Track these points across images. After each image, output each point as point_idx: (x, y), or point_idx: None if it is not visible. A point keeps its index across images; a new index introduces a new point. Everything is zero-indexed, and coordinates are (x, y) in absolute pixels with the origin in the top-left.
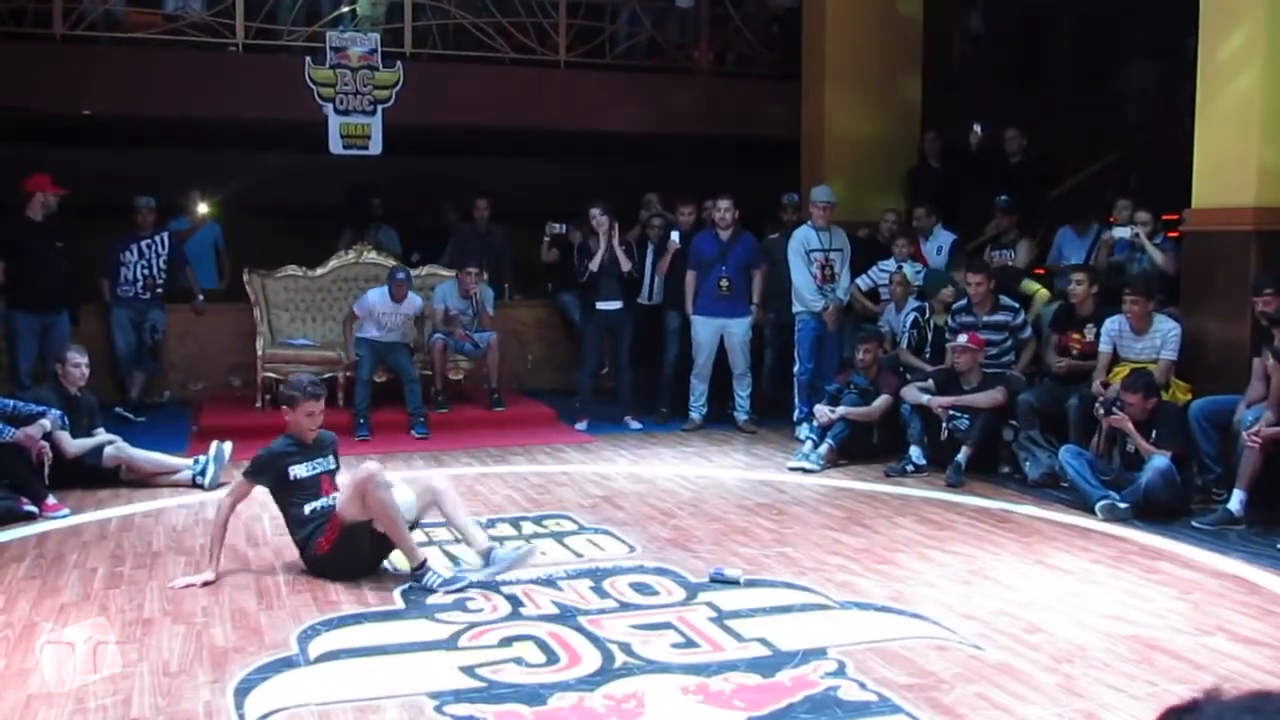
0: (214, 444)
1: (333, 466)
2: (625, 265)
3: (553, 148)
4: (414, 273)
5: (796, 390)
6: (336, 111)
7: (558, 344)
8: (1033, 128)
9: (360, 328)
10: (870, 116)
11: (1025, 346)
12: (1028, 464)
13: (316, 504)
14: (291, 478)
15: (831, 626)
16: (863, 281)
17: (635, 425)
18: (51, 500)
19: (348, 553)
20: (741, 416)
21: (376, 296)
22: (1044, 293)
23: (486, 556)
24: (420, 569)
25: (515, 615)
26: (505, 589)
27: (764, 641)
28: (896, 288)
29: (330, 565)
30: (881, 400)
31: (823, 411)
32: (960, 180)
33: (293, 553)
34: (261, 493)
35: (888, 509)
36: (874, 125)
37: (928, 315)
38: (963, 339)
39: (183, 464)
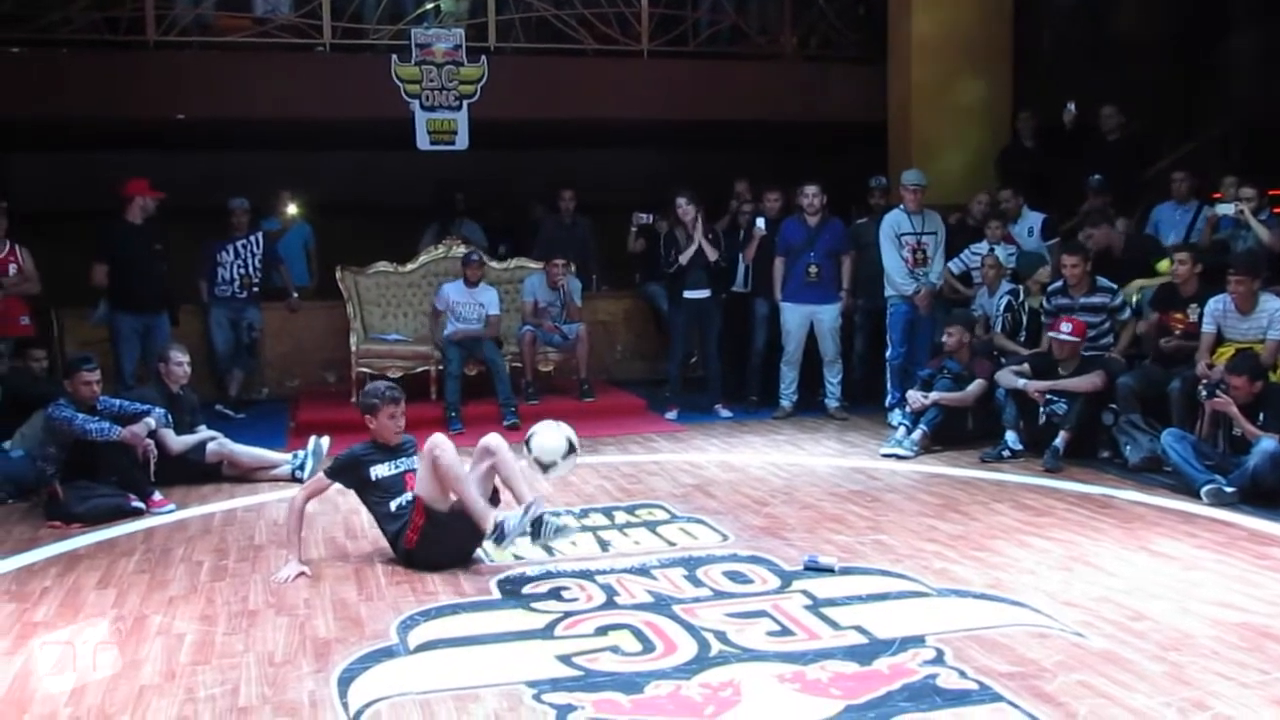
0: (311, 439)
1: (415, 465)
2: (712, 256)
3: (637, 138)
4: (501, 265)
5: (889, 375)
6: (423, 108)
7: (646, 334)
8: (1129, 104)
9: (445, 324)
10: (959, 97)
11: (1124, 328)
12: (1128, 448)
13: (402, 499)
14: (374, 478)
15: (929, 614)
16: (955, 265)
17: (725, 414)
18: (157, 496)
19: (436, 541)
20: (832, 404)
21: (451, 287)
22: (1166, 263)
23: (526, 510)
24: (496, 531)
25: (610, 604)
26: (600, 578)
27: (860, 629)
28: (989, 271)
29: (420, 557)
30: (976, 385)
31: (915, 397)
32: (1054, 160)
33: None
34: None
35: (984, 495)
36: (963, 106)
37: (1021, 298)
38: (1065, 329)
39: (282, 459)
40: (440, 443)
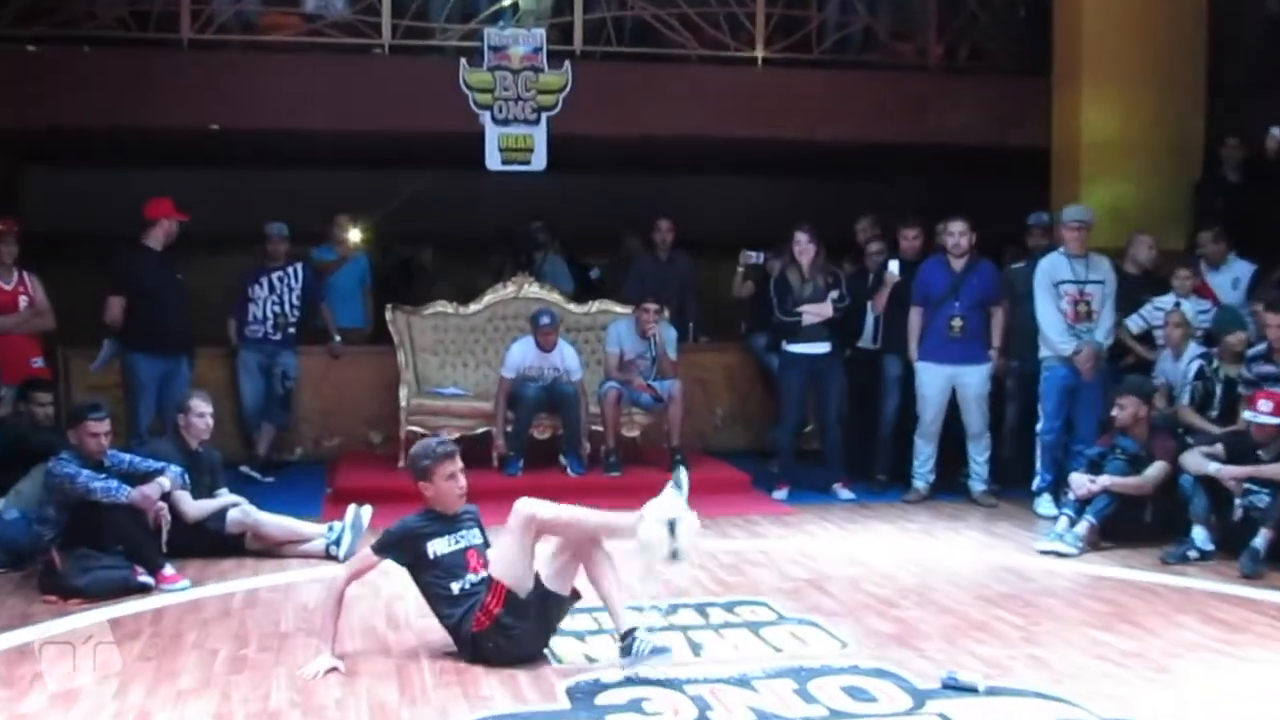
0: (351, 509)
1: (480, 541)
2: (824, 312)
3: (749, 162)
4: (584, 309)
5: (1039, 453)
6: (494, 121)
7: (752, 395)
8: None
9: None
10: (1140, 118)
11: None
12: None
13: (463, 582)
14: (431, 556)
15: None
16: (1133, 322)
17: (846, 495)
18: (169, 570)
19: (510, 633)
20: (977, 486)
21: (520, 351)
22: None
23: (628, 644)
24: (628, 635)
25: None
26: (690, 689)
27: None
28: (1173, 330)
29: (488, 646)
30: (1156, 469)
31: (1080, 481)
32: (1257, 197)
33: (439, 637)
34: (397, 568)
35: (1165, 604)
36: (1144, 129)
37: (1215, 364)
38: (1265, 408)
39: (316, 531)
40: (530, 504)
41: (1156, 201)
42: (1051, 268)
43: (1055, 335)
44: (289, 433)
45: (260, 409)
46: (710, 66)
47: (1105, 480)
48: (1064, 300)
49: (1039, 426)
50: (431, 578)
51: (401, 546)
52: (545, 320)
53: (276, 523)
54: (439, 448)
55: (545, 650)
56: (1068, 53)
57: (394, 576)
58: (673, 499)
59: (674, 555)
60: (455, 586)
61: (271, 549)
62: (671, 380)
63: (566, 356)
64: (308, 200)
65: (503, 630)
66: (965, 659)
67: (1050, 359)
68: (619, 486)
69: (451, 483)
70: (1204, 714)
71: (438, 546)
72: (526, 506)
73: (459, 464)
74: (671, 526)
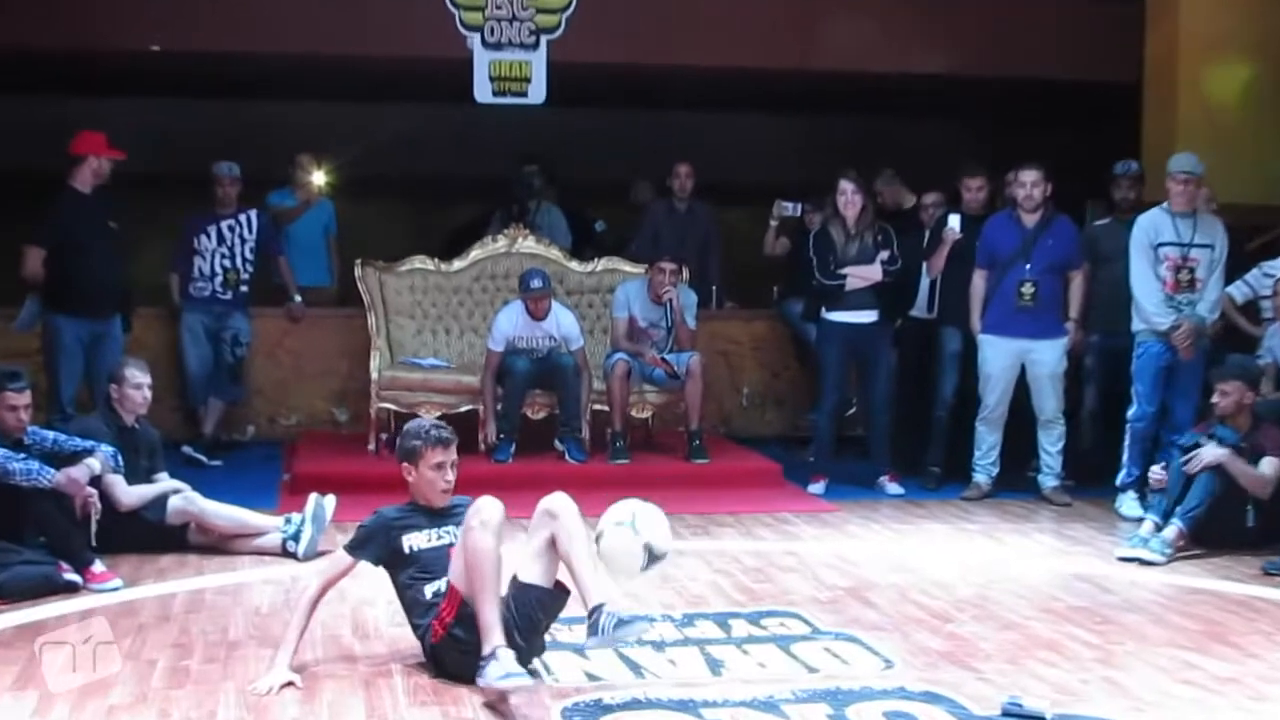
0: (311, 498)
1: None
2: (871, 275)
3: (784, 97)
4: (588, 268)
5: (1128, 443)
6: (485, 45)
7: (785, 372)
8: None
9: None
10: (1249, 50)
11: None
12: None
13: (439, 584)
14: (407, 551)
15: None
16: (1237, 290)
17: (894, 489)
18: (99, 567)
19: (465, 648)
20: (1049, 481)
21: (508, 319)
22: None
23: (594, 621)
24: (489, 656)
25: None
26: (708, 712)
27: None
28: None
29: (445, 661)
30: (1267, 464)
31: (1157, 475)
32: None
33: (414, 648)
34: (370, 570)
35: (1267, 621)
36: (1255, 64)
37: None
38: None
39: (270, 524)
40: (483, 513)
41: (1268, 149)
42: (1152, 226)
43: (1151, 306)
44: (240, 408)
45: (207, 380)
46: None
47: (1221, 453)
48: (1163, 265)
49: (1130, 412)
50: (407, 578)
51: (374, 540)
52: (536, 283)
53: (225, 513)
54: (434, 431)
55: (535, 663)
56: None
57: (363, 578)
58: (622, 502)
59: (652, 555)
60: (429, 590)
61: (218, 544)
62: (690, 353)
63: (563, 322)
64: (264, 136)
65: (455, 644)
66: (1030, 682)
67: (1145, 333)
68: (626, 477)
69: (437, 473)
70: None
71: (416, 541)
72: (472, 512)
73: (452, 455)
74: (633, 524)
